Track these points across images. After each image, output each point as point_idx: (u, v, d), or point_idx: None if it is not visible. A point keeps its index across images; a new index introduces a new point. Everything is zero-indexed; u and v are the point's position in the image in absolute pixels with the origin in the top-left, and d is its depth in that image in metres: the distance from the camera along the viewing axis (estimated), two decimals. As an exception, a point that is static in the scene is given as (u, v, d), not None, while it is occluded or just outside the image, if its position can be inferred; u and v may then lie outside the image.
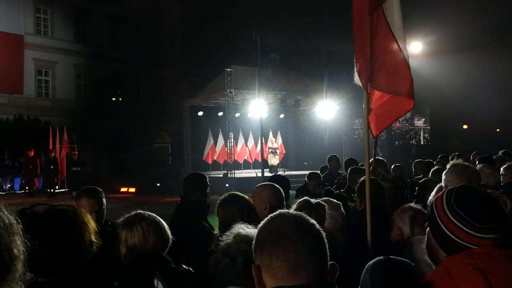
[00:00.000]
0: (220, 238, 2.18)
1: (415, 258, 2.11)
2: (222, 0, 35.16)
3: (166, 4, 36.55)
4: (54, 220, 1.89)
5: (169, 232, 2.63)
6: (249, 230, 2.11)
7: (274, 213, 1.47)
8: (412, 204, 3.15)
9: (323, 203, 3.21)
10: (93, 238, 1.97)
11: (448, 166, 3.53)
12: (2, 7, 27.83)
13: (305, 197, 3.31)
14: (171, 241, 2.63)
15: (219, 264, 2.05)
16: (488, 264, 1.54)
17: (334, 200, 3.36)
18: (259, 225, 1.47)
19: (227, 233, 2.16)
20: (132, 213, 2.67)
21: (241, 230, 2.12)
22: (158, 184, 23.20)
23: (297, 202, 3.18)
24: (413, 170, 8.03)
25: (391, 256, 2.03)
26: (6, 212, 1.18)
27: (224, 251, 2.07)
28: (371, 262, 2.02)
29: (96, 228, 2.03)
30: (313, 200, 3.23)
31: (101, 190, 3.64)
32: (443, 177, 3.40)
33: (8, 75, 28.10)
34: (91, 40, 32.73)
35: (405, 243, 2.75)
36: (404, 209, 3.03)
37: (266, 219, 1.47)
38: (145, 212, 2.67)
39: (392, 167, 8.41)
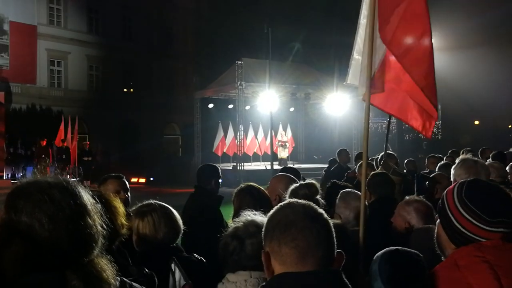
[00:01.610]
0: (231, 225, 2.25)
1: (421, 247, 2.14)
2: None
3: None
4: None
5: (180, 223, 2.69)
6: (256, 216, 2.18)
7: (283, 202, 1.52)
8: (415, 196, 3.19)
9: (314, 182, 3.35)
10: (124, 221, 2.03)
11: (457, 161, 3.54)
12: (16, -3, 28.01)
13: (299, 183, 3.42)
14: (182, 231, 2.69)
15: (229, 247, 2.11)
16: (496, 257, 1.55)
17: (359, 192, 3.41)
18: (269, 213, 1.51)
19: (236, 220, 2.23)
20: (145, 202, 2.73)
21: (248, 217, 2.19)
22: None
23: (291, 189, 3.29)
24: (426, 164, 7.98)
25: (399, 247, 2.07)
26: (90, 194, 1.42)
27: (233, 234, 2.13)
28: (379, 253, 2.05)
29: (125, 211, 2.08)
30: (302, 182, 3.39)
31: (123, 175, 3.75)
32: (452, 171, 3.41)
33: (21, 65, 28.32)
34: (104, 31, 32.84)
35: (408, 234, 2.79)
36: (408, 201, 3.07)
37: (275, 207, 1.51)
38: (156, 202, 2.72)
39: (406, 161, 8.40)
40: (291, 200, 1.52)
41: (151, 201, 2.74)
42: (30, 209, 1.31)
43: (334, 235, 1.44)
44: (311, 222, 1.40)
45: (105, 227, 1.42)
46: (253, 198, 3.30)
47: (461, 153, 7.87)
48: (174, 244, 2.67)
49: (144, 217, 2.61)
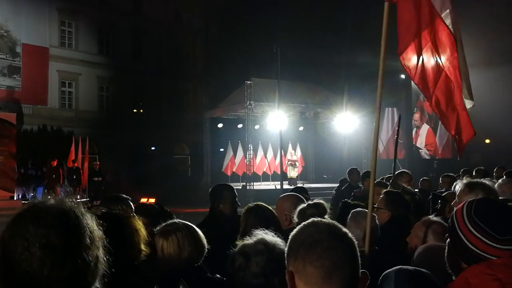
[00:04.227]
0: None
1: (425, 265, 2.11)
2: (242, 13, 35.51)
3: (187, 17, 37.07)
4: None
5: (204, 241, 2.67)
6: (267, 235, 2.18)
7: (307, 221, 1.50)
8: (431, 216, 3.16)
9: (322, 201, 3.39)
10: (142, 246, 1.99)
11: (461, 186, 3.46)
12: (29, 20, 28.58)
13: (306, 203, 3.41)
14: (206, 249, 2.67)
15: (235, 263, 2.12)
16: (507, 275, 1.54)
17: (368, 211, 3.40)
18: (292, 233, 1.49)
19: (246, 238, 2.23)
20: (169, 222, 2.73)
21: (259, 235, 2.20)
22: None
23: (299, 209, 3.30)
24: (440, 184, 7.88)
25: (410, 267, 2.04)
26: (89, 219, 1.31)
27: (240, 251, 2.14)
28: (390, 272, 2.01)
29: (146, 237, 2.05)
30: (310, 202, 3.41)
31: (127, 197, 3.71)
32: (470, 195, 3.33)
33: (33, 86, 28.73)
34: (114, 52, 33.31)
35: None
36: (426, 221, 3.05)
37: (299, 226, 1.49)
38: (180, 221, 2.71)
39: (421, 180, 8.33)
40: (315, 219, 1.50)
41: (175, 220, 2.73)
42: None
43: (359, 254, 1.42)
44: (336, 241, 1.39)
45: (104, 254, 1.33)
46: (258, 218, 3.29)
47: (474, 172, 7.79)
48: (199, 264, 2.65)
49: (169, 237, 2.59)
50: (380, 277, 1.97)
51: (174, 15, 36.61)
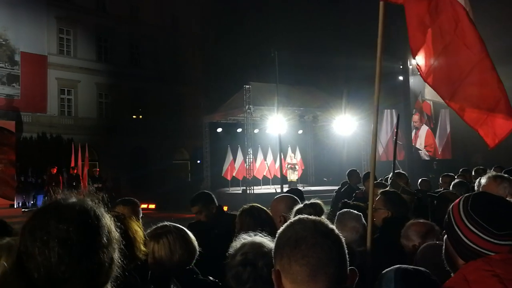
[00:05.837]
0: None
1: (426, 263, 2.11)
2: (240, 18, 35.59)
3: (184, 22, 37.14)
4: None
5: (195, 244, 2.66)
6: (255, 237, 2.16)
7: (294, 219, 1.47)
8: (417, 218, 3.21)
9: (318, 202, 3.36)
10: (141, 246, 1.99)
11: (486, 179, 3.48)
12: (27, 29, 28.64)
13: (303, 203, 3.42)
14: (197, 252, 2.65)
15: (242, 276, 2.05)
16: (505, 271, 1.52)
17: (355, 212, 3.38)
18: (279, 231, 1.46)
19: (232, 245, 2.19)
20: (159, 225, 2.71)
21: (249, 238, 2.16)
22: None
23: (295, 209, 3.30)
24: (440, 183, 7.88)
25: (409, 266, 2.03)
26: (108, 220, 1.31)
27: (243, 262, 2.07)
28: (389, 271, 2.00)
29: (144, 237, 2.05)
30: (307, 202, 3.41)
31: (137, 201, 3.70)
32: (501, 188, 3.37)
33: (32, 95, 28.77)
34: (113, 59, 33.39)
35: (413, 253, 2.78)
36: (409, 224, 3.09)
37: (285, 224, 1.46)
38: (171, 224, 2.70)
39: (420, 180, 8.33)
40: (302, 216, 1.47)
41: (166, 223, 2.72)
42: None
43: (347, 251, 1.39)
44: (322, 238, 1.36)
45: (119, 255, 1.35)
46: (253, 219, 3.28)
47: (474, 172, 7.78)
48: (190, 266, 2.64)
49: (160, 239, 2.58)
50: (379, 276, 1.96)
51: (171, 21, 36.70)
